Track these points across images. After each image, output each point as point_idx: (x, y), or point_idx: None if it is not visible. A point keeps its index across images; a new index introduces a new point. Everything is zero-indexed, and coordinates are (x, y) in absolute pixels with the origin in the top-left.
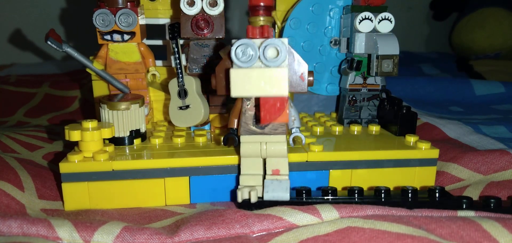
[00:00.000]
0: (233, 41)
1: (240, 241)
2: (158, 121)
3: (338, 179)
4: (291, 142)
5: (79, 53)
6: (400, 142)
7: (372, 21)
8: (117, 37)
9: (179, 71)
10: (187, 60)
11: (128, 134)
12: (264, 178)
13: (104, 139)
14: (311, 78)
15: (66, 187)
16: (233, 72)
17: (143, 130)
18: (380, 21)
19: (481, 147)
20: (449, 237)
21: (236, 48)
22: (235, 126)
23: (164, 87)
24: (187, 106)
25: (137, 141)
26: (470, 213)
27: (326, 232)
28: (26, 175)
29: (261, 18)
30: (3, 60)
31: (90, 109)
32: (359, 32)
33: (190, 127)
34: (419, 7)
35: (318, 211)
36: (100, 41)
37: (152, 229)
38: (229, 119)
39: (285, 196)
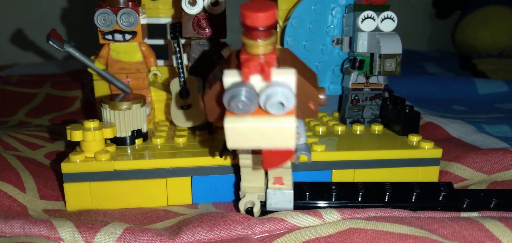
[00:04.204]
0: (222, 75)
1: None
2: (160, 121)
3: (341, 179)
4: (296, 160)
5: (80, 53)
6: (403, 141)
7: (374, 20)
8: (118, 36)
9: (181, 70)
10: (188, 59)
11: (129, 134)
12: (266, 184)
13: (105, 139)
14: (322, 97)
15: (68, 187)
16: (227, 125)
17: (144, 130)
18: (383, 20)
19: (484, 146)
20: (452, 237)
21: (228, 97)
22: None
23: (166, 87)
24: (189, 106)
25: (138, 141)
26: (473, 213)
27: (328, 234)
28: (27, 175)
29: (260, 42)
30: (5, 60)
31: (92, 109)
32: (362, 31)
33: (191, 127)
34: (422, 5)
35: (320, 212)
36: (101, 41)
37: (153, 230)
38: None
39: (289, 207)
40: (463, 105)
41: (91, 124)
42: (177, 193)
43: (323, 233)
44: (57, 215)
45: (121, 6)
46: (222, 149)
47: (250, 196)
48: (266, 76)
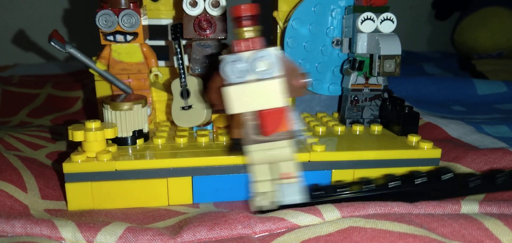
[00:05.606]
0: (219, 57)
1: (242, 242)
2: (161, 121)
3: (340, 179)
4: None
5: (82, 53)
6: (402, 142)
7: (374, 21)
8: (120, 37)
9: (182, 71)
10: (189, 60)
11: (131, 134)
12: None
13: (107, 139)
14: (303, 81)
15: (69, 187)
16: (227, 90)
17: (145, 130)
18: (382, 21)
19: (483, 146)
20: (451, 236)
21: (225, 66)
22: (238, 136)
23: (167, 88)
24: (190, 106)
25: (140, 141)
26: (474, 210)
27: (328, 232)
28: (29, 175)
29: (246, 29)
30: (6, 61)
31: (93, 110)
32: (361, 32)
33: (192, 127)
34: (422, 6)
35: (320, 211)
36: (103, 42)
37: (154, 229)
38: (231, 130)
39: (298, 198)
40: (462, 106)
41: (93, 124)
42: (178, 193)
43: (323, 231)
44: (58, 215)
45: (123, 7)
46: (230, 148)
47: (263, 194)
48: (251, 44)
